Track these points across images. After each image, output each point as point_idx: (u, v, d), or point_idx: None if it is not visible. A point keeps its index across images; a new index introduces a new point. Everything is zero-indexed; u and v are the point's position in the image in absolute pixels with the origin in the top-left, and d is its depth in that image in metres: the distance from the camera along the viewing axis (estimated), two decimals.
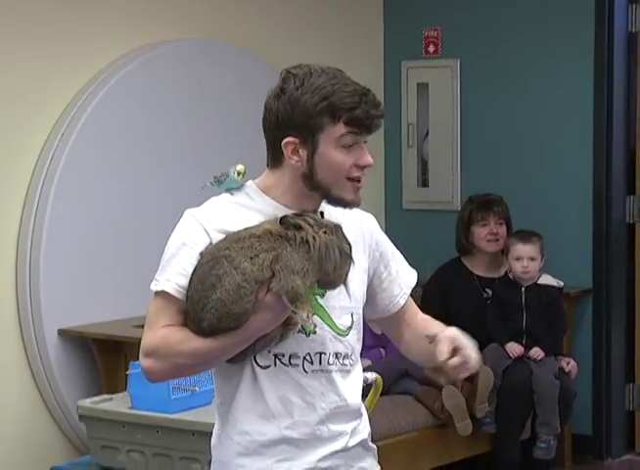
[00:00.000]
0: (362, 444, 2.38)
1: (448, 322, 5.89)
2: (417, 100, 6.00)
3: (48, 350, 4.57)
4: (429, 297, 5.45)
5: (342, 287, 2.27)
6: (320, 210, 2.32)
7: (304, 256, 2.18)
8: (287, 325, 2.24)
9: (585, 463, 5.52)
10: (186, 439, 3.77)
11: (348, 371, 2.37)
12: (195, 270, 2.21)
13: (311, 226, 2.21)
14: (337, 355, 2.35)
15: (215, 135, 5.21)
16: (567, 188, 5.62)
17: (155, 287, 2.26)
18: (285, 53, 5.56)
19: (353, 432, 2.35)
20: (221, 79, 5.23)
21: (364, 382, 3.23)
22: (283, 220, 2.22)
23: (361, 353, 5.69)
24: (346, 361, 2.37)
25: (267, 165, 2.39)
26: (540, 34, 5.65)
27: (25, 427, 4.58)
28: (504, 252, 5.27)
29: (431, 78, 5.97)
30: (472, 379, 4.92)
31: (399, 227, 6.02)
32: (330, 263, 2.19)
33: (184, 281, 2.22)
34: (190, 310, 2.21)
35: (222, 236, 2.23)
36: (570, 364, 5.16)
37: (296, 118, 2.28)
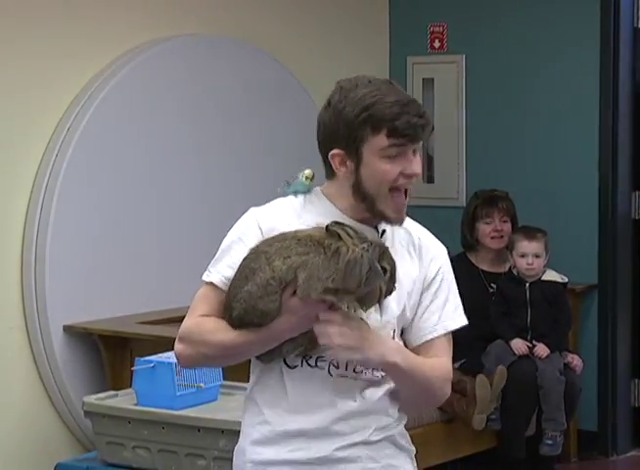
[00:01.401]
0: (391, 440, 2.37)
1: None
2: (422, 95, 6.00)
3: (54, 346, 4.58)
4: None
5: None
6: (383, 228, 2.35)
7: (334, 266, 2.19)
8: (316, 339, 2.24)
9: (591, 459, 5.51)
10: (191, 435, 3.76)
11: (379, 383, 2.35)
12: (242, 260, 2.27)
13: (351, 237, 2.22)
14: (355, 369, 2.32)
15: (220, 131, 5.21)
16: (572, 183, 5.61)
17: (205, 277, 2.33)
18: (290, 47, 5.57)
19: (379, 427, 2.35)
20: (225, 75, 5.22)
21: None
22: (328, 227, 2.25)
23: None
24: (377, 373, 2.34)
25: (326, 177, 2.41)
26: (546, 30, 5.64)
27: (31, 423, 4.58)
28: (508, 247, 5.26)
29: (436, 74, 5.96)
30: (482, 370, 4.94)
31: None
32: (353, 278, 2.19)
33: (231, 273, 2.28)
34: (226, 298, 2.28)
35: (272, 233, 2.29)
36: (575, 360, 5.16)
37: (339, 130, 2.30)
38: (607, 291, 5.55)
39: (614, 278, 5.55)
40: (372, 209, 2.32)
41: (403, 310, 2.35)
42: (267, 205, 2.41)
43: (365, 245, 2.22)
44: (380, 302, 2.25)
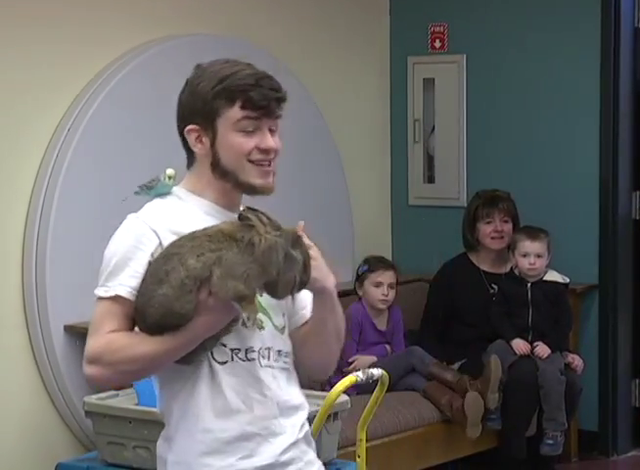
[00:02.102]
0: (305, 437, 2.37)
1: (455, 318, 5.95)
2: (423, 95, 5.99)
3: (54, 346, 4.55)
4: (435, 292, 5.45)
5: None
6: (246, 214, 2.27)
7: (249, 258, 2.15)
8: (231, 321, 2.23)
9: (591, 459, 5.51)
10: None
11: (289, 370, 2.35)
12: (149, 266, 2.20)
13: (264, 225, 2.20)
14: (279, 353, 2.33)
15: None
16: (573, 184, 5.61)
17: (106, 293, 2.22)
18: (291, 48, 5.55)
19: (301, 425, 2.35)
20: None
21: (370, 378, 3.24)
22: (241, 215, 2.22)
23: (366, 350, 5.76)
24: (287, 359, 2.35)
25: (187, 167, 2.37)
26: (546, 30, 5.63)
27: (32, 423, 4.58)
28: (510, 247, 5.26)
29: (437, 74, 5.96)
30: (482, 370, 4.93)
31: (405, 223, 6.02)
32: (272, 266, 2.16)
33: (136, 283, 2.19)
34: (138, 306, 2.18)
35: (172, 235, 2.22)
36: (576, 360, 5.16)
37: (195, 106, 2.27)
38: (607, 291, 5.54)
39: (614, 278, 5.54)
40: (237, 183, 2.28)
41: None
42: (146, 209, 2.31)
43: (278, 233, 2.19)
44: (293, 293, 2.23)
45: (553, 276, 5.20)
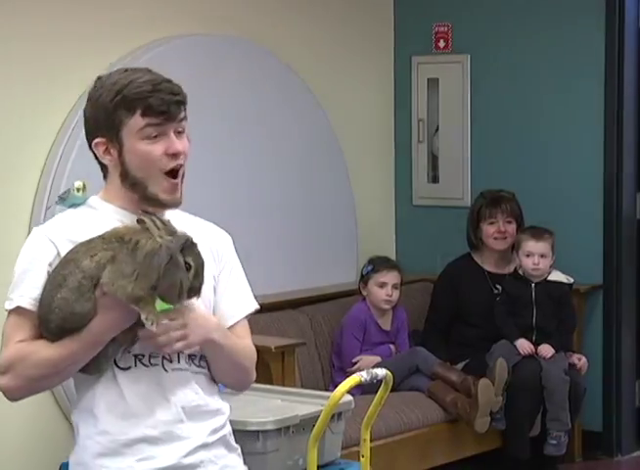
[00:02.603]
0: (223, 441, 2.37)
1: (459, 318, 5.96)
2: (427, 95, 6.00)
3: None
4: (439, 292, 5.45)
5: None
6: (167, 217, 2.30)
7: (134, 260, 2.18)
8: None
9: (595, 459, 5.51)
10: None
11: (206, 374, 2.36)
12: (48, 275, 2.24)
13: (158, 228, 2.22)
14: (191, 357, 2.33)
15: (223, 131, 5.21)
16: (577, 184, 5.61)
17: (9, 306, 2.26)
18: (294, 48, 5.55)
19: (213, 430, 2.34)
20: (228, 74, 5.21)
21: (374, 378, 3.24)
22: (138, 219, 2.24)
23: (371, 350, 5.76)
24: (202, 363, 2.36)
25: (103, 178, 2.40)
26: (550, 30, 5.64)
27: (35, 423, 4.58)
28: (514, 247, 5.26)
29: (441, 74, 5.96)
30: (486, 370, 4.93)
31: (409, 223, 6.03)
32: (152, 270, 2.17)
33: (37, 293, 2.24)
34: (41, 314, 2.23)
35: (70, 245, 2.25)
36: (580, 360, 5.16)
37: (98, 119, 2.29)
38: (612, 291, 5.54)
39: (618, 279, 5.55)
40: (145, 195, 2.29)
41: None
42: (51, 220, 2.37)
43: (170, 237, 2.20)
44: (180, 297, 2.22)
45: (557, 276, 5.20)
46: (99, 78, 2.33)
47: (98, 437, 2.27)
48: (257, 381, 4.00)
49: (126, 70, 2.32)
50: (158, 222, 2.23)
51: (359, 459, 3.49)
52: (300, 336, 5.00)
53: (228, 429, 2.40)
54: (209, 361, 2.35)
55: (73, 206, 2.41)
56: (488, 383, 4.88)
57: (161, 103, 2.25)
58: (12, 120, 4.49)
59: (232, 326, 2.40)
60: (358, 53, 5.93)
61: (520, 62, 5.74)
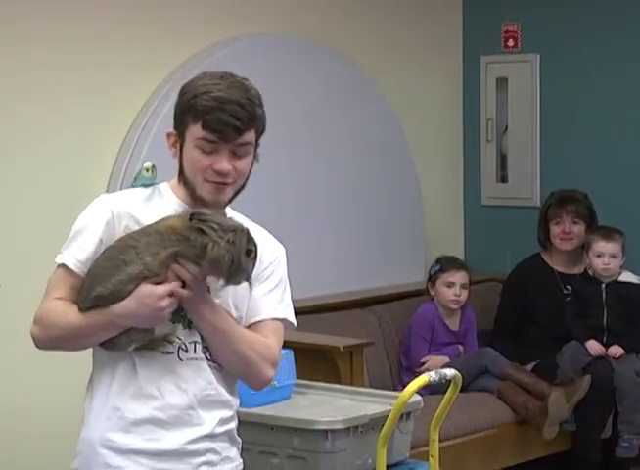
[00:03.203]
0: (229, 434, 2.44)
1: (528, 318, 5.88)
2: (496, 95, 5.97)
3: None
4: (507, 293, 5.43)
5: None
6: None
7: (200, 258, 2.30)
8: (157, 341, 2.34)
9: None
10: (265, 433, 3.74)
11: (221, 365, 2.42)
12: (105, 250, 2.35)
13: (215, 230, 2.29)
14: (205, 347, 2.39)
15: (293, 131, 5.23)
16: None
17: (58, 259, 2.40)
18: (364, 48, 5.58)
19: (221, 420, 2.41)
20: (297, 73, 5.25)
21: (443, 378, 3.24)
22: (192, 217, 2.31)
23: (439, 350, 5.73)
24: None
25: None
26: (622, 29, 5.58)
27: None
28: (584, 247, 5.22)
29: (510, 73, 5.93)
30: (556, 371, 4.91)
31: (478, 223, 6.01)
32: (216, 273, 2.32)
33: (83, 257, 2.36)
34: (86, 281, 2.34)
35: (129, 219, 2.37)
36: None
37: (177, 113, 2.42)
38: None
39: None
40: (194, 195, 2.39)
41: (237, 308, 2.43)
42: (119, 192, 2.51)
43: (230, 235, 2.29)
44: (248, 280, 2.35)
45: (628, 277, 5.15)
46: (198, 76, 2.42)
47: (108, 412, 2.36)
48: (326, 380, 4.08)
49: (222, 77, 2.38)
50: (214, 225, 2.30)
51: (428, 460, 3.50)
52: (368, 335, 5.00)
53: (235, 423, 2.47)
54: (209, 346, 2.39)
55: (143, 185, 2.49)
56: (561, 396, 4.82)
57: (219, 122, 2.32)
58: (87, 115, 4.55)
59: (258, 322, 2.44)
60: (427, 53, 5.93)
61: (590, 61, 5.69)
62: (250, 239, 2.34)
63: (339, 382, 4.24)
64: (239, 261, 2.30)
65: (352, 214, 5.46)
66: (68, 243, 2.40)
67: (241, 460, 2.50)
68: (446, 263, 5.30)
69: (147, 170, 2.48)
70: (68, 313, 2.33)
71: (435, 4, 5.96)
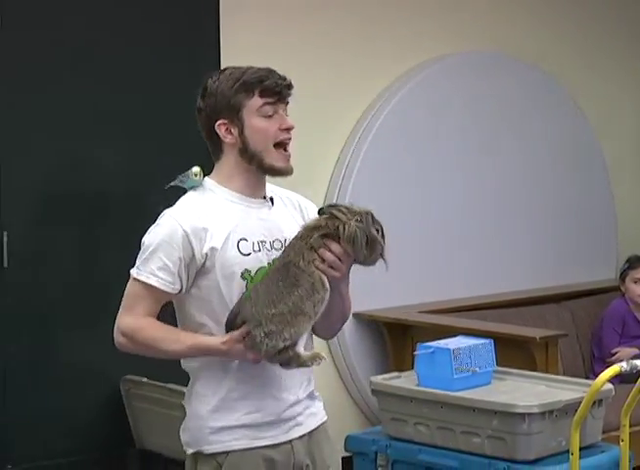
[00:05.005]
0: (310, 395, 2.64)
1: None
2: None
3: (345, 332, 4.88)
4: None
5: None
6: (270, 196, 2.58)
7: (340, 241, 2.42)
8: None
9: None
10: (467, 414, 3.85)
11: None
12: (269, 274, 2.47)
13: (344, 214, 2.44)
14: None
15: (498, 139, 5.42)
16: None
17: (137, 275, 2.51)
18: (555, 57, 5.66)
19: (302, 386, 2.61)
20: (503, 91, 5.40)
21: (634, 369, 3.38)
22: (320, 212, 2.49)
23: (629, 342, 5.71)
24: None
25: (214, 160, 2.62)
26: None
27: (325, 400, 4.94)
28: None
29: None
30: None
31: None
32: (357, 249, 2.42)
33: (170, 277, 2.48)
34: (252, 304, 2.43)
35: (199, 230, 2.49)
36: None
37: (218, 104, 2.55)
38: None
39: None
40: (261, 166, 2.54)
41: None
42: (179, 205, 2.57)
43: (358, 217, 2.44)
44: (383, 256, 2.49)
45: None
46: (210, 77, 2.58)
47: (219, 390, 2.54)
48: (523, 368, 4.19)
49: (234, 68, 2.58)
50: (343, 208, 2.45)
51: (619, 443, 3.56)
52: (562, 328, 5.10)
53: (313, 384, 2.67)
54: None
55: (192, 188, 2.58)
56: None
57: (276, 85, 2.54)
58: (312, 122, 4.79)
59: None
60: (616, 57, 5.96)
61: None
62: (375, 220, 2.46)
63: (534, 370, 4.34)
64: (374, 237, 2.42)
65: (548, 215, 5.61)
66: (146, 260, 2.49)
67: (324, 412, 2.69)
68: (634, 261, 5.42)
69: (195, 175, 2.61)
70: (159, 342, 2.48)
71: (623, 7, 5.94)
